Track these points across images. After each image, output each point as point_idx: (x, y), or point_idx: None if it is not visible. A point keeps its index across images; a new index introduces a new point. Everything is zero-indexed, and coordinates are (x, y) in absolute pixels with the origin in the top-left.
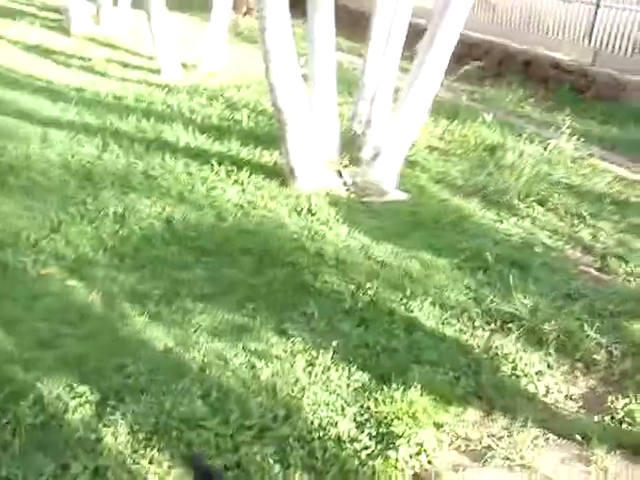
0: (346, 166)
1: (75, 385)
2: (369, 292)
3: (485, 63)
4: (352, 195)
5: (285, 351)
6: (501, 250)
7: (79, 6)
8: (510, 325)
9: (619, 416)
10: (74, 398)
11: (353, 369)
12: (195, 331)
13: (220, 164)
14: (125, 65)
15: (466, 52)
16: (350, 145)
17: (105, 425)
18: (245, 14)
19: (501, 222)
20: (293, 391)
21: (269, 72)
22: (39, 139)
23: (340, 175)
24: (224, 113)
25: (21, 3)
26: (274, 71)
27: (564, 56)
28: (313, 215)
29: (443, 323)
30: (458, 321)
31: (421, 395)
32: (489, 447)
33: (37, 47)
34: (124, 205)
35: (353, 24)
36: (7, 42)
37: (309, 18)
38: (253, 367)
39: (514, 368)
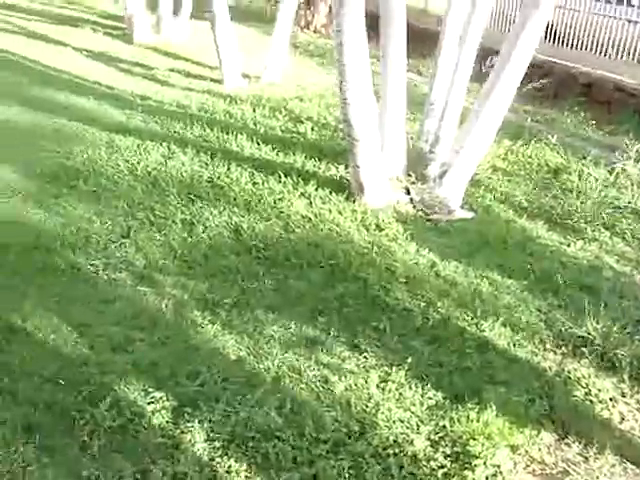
0: (413, 183)
1: (151, 390)
2: (440, 310)
3: (546, 84)
4: (419, 212)
5: (358, 366)
6: (570, 273)
7: (141, 15)
8: (582, 349)
9: None
10: (150, 403)
11: (427, 387)
12: (267, 342)
13: (286, 176)
14: (187, 74)
15: (527, 73)
16: (417, 162)
17: (182, 432)
18: (304, 28)
19: (568, 245)
20: (367, 406)
21: (343, 87)
22: (105, 145)
23: (407, 192)
24: (287, 125)
25: (84, 12)
26: (348, 87)
27: (628, 79)
28: (381, 231)
29: (514, 344)
30: (529, 343)
31: (496, 416)
32: (565, 472)
33: (101, 55)
34: (191, 213)
35: (411, 40)
36: (72, 49)
37: (382, 34)
38: (327, 381)
39: (587, 393)
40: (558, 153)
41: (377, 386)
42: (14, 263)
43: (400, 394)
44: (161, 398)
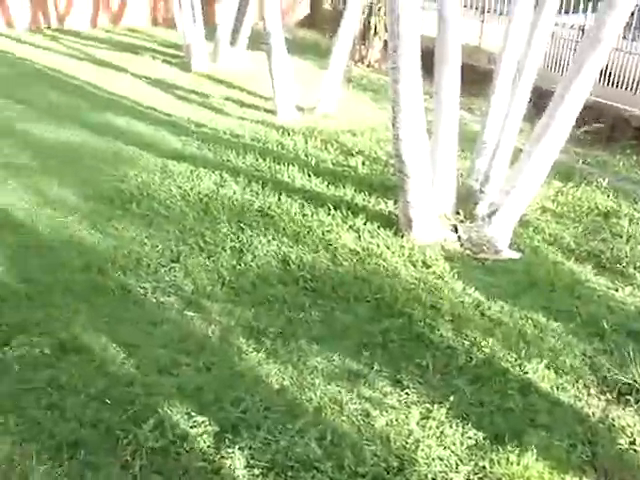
0: (462, 221)
1: (194, 414)
2: (484, 350)
3: (597, 126)
4: (466, 251)
5: (400, 401)
6: (617, 319)
7: (199, 44)
8: (627, 397)
9: None
10: (193, 427)
11: (468, 426)
12: (310, 373)
13: (336, 209)
14: (242, 104)
15: (579, 114)
16: (466, 200)
17: (222, 457)
18: (358, 62)
19: (616, 290)
20: (407, 443)
21: (396, 123)
22: (160, 170)
23: (455, 230)
24: (339, 158)
25: (145, 40)
26: (402, 123)
27: None
28: (428, 268)
29: (558, 388)
30: (573, 387)
31: (537, 460)
32: None
33: (160, 82)
34: (241, 241)
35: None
36: (132, 76)
37: (436, 72)
38: (368, 415)
39: (632, 442)
40: (609, 196)
41: (418, 423)
42: (68, 282)
43: (441, 432)
44: (203, 422)
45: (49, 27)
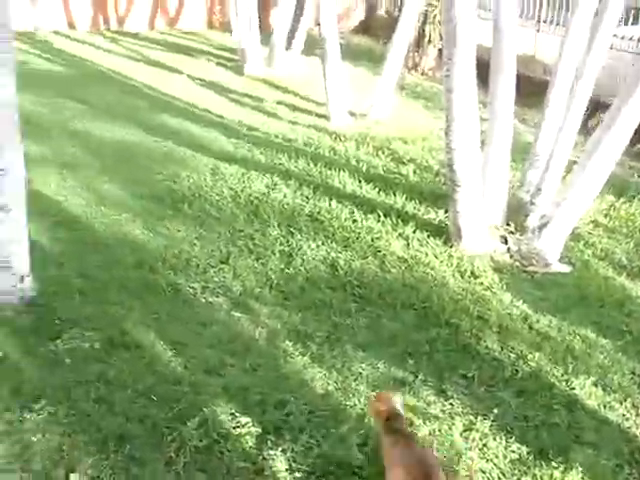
0: (511, 232)
1: (238, 415)
2: (530, 363)
3: None
4: (515, 262)
5: (443, 412)
6: None
7: (254, 48)
8: None
9: None
10: (237, 427)
11: (511, 440)
12: (355, 379)
13: (386, 216)
14: (295, 108)
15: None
16: (516, 212)
17: (264, 459)
18: (411, 69)
19: None
20: (449, 453)
21: (449, 132)
22: (211, 171)
23: (505, 241)
24: (390, 165)
25: (201, 43)
26: (454, 132)
27: None
28: (476, 278)
29: (605, 406)
30: (621, 405)
31: (582, 478)
32: None
33: (213, 84)
34: (290, 245)
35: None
36: (187, 78)
37: (491, 81)
38: (411, 423)
39: None
40: None
41: (461, 434)
42: (121, 279)
43: (484, 444)
44: (247, 423)
45: (108, 29)
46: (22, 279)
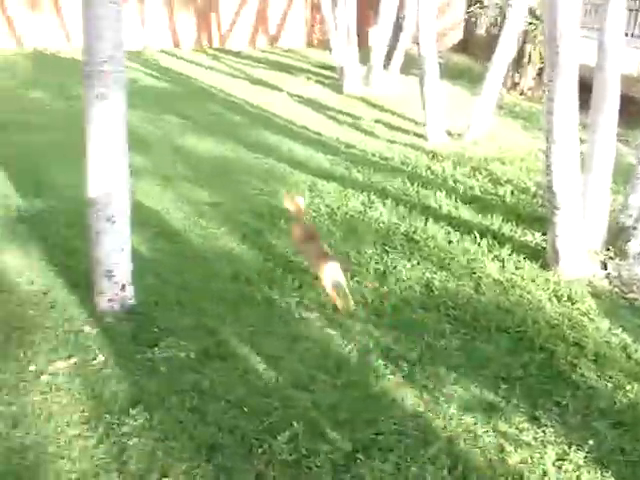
0: (611, 258)
1: (327, 431)
2: (628, 394)
3: None
4: (615, 289)
5: (536, 439)
6: None
7: (352, 66)
8: None
9: None
10: (326, 443)
11: (606, 474)
12: (446, 401)
13: (482, 237)
14: (392, 127)
15: None
16: (617, 237)
17: (353, 477)
18: (510, 89)
19: None
20: None
21: (549, 154)
22: (308, 188)
23: (604, 266)
24: (487, 186)
25: (300, 60)
26: (555, 154)
27: None
28: (573, 303)
29: None
30: None
31: None
32: None
33: (312, 101)
34: (385, 264)
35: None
36: (286, 95)
37: (593, 103)
38: (502, 449)
39: None
40: None
41: (553, 463)
42: (218, 291)
43: (577, 476)
44: (336, 440)
45: (211, 47)
46: (123, 287)
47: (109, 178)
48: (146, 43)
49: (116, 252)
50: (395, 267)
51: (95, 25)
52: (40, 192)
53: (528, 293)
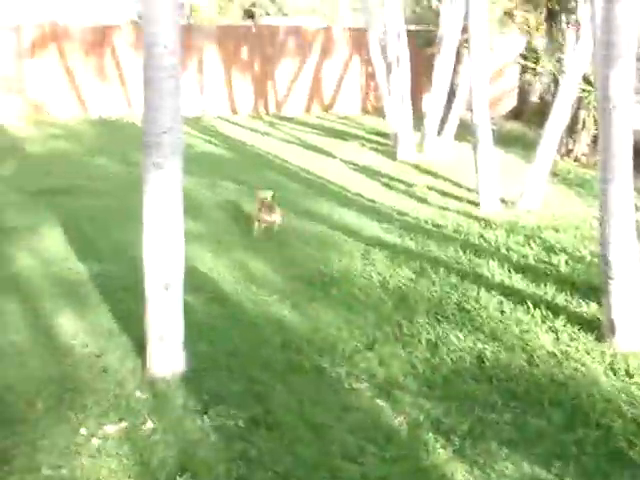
0: None
1: None
2: None
3: None
4: None
5: None
6: None
7: (406, 133)
8: None
9: None
10: None
11: None
12: (498, 477)
13: (535, 307)
14: (445, 194)
15: None
16: None
17: None
18: (564, 156)
19: None
20: None
21: (603, 224)
22: (361, 256)
23: None
24: (541, 255)
25: (354, 127)
26: (609, 224)
27: None
28: (631, 378)
29: None
30: None
31: None
32: None
33: (365, 168)
34: (436, 334)
35: None
36: (339, 161)
37: None
38: None
39: None
40: None
41: None
42: (267, 358)
43: None
44: None
45: (268, 113)
46: (175, 353)
47: (164, 245)
48: (204, 109)
49: (169, 318)
50: (447, 337)
51: (155, 98)
52: (99, 256)
53: (583, 366)
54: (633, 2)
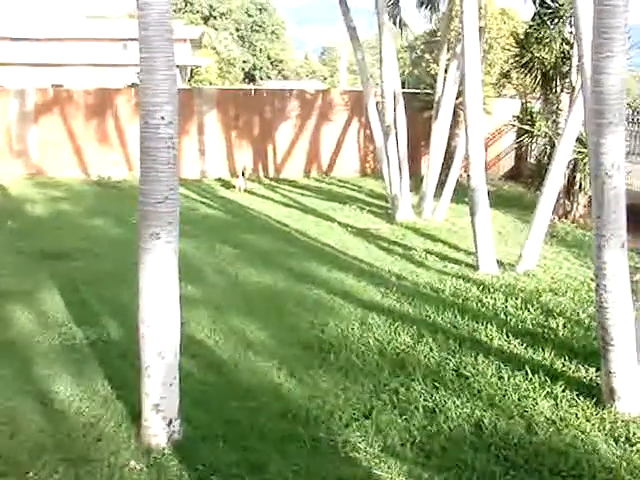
0: None
1: None
2: None
3: None
4: None
5: None
6: None
7: (404, 196)
8: None
9: None
10: None
11: None
12: None
13: (534, 373)
14: (443, 257)
15: None
16: None
17: None
18: (561, 217)
19: None
20: None
21: (600, 289)
22: (359, 321)
23: None
24: (539, 319)
25: (353, 190)
26: (605, 289)
27: None
28: (632, 445)
29: None
30: None
31: None
32: None
33: (363, 232)
34: (434, 401)
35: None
36: (338, 225)
37: None
38: None
39: None
40: None
41: None
42: (264, 427)
43: None
44: None
45: (267, 176)
46: (170, 422)
47: (159, 313)
48: (204, 172)
49: (164, 386)
50: (445, 404)
51: (152, 168)
52: (96, 321)
53: (582, 433)
54: (621, 72)
